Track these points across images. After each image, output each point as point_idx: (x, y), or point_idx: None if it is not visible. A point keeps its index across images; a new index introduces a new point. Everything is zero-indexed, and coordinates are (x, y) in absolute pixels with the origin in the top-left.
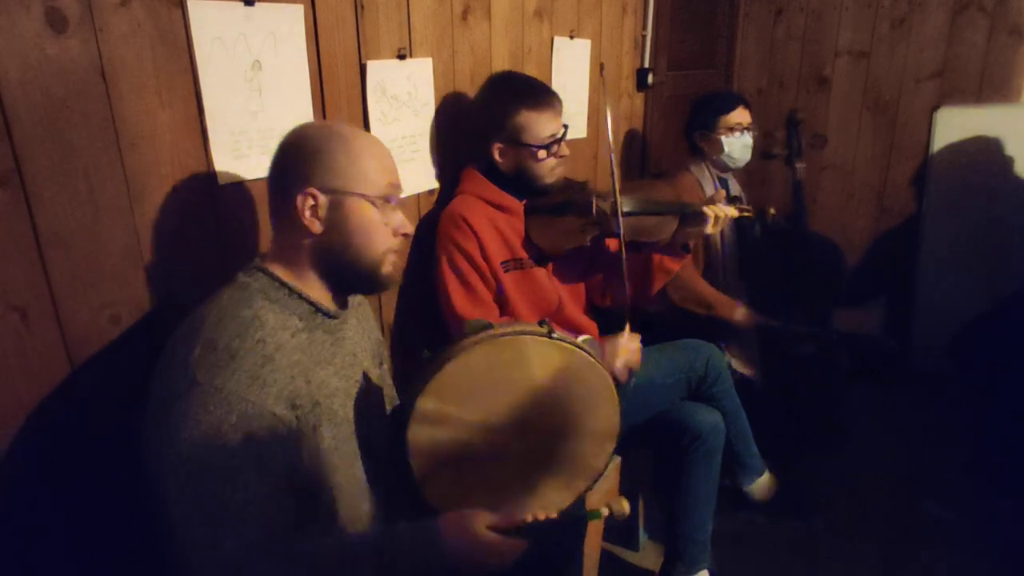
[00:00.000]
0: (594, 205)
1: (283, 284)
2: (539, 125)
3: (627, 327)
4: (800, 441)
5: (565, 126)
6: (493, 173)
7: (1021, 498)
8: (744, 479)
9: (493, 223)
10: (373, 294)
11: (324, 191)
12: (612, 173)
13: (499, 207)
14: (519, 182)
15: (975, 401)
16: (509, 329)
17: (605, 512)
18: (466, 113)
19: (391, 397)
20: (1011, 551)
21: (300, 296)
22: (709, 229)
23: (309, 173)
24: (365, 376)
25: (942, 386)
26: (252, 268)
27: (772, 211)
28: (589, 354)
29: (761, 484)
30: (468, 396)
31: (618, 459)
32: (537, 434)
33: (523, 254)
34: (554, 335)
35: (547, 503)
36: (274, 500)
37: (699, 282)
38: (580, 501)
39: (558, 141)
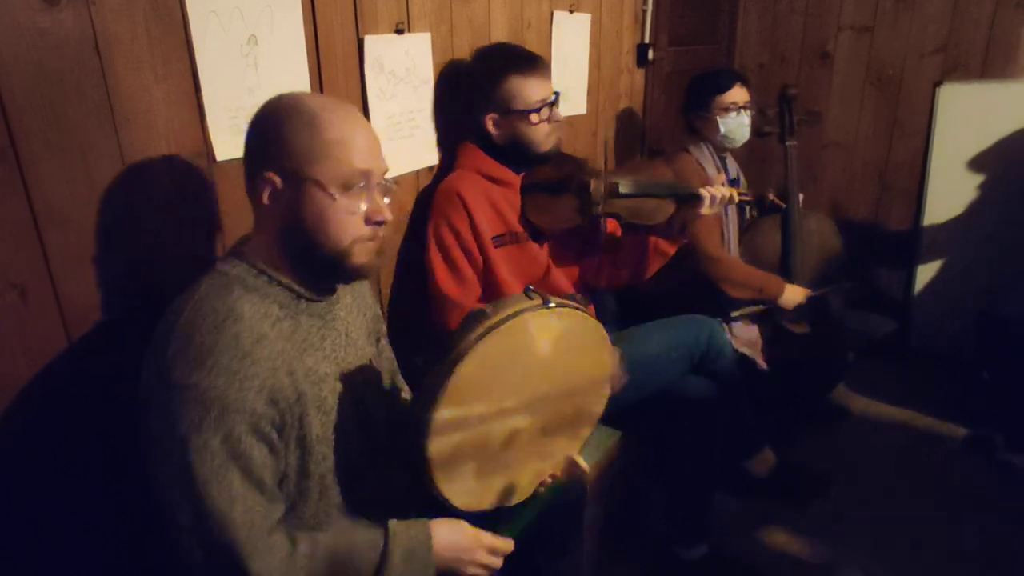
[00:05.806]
0: (591, 186)
1: (261, 271)
2: (528, 89)
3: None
4: (801, 420)
5: (556, 93)
6: (490, 147)
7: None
8: (744, 454)
9: (489, 197)
10: (349, 283)
11: (281, 174)
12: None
13: (496, 181)
14: (515, 152)
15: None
16: (507, 312)
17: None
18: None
19: (392, 371)
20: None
21: (279, 283)
22: (705, 210)
23: (269, 153)
24: (359, 356)
25: (943, 364)
26: (231, 254)
27: (771, 195)
28: (579, 307)
29: (761, 459)
30: (481, 393)
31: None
32: (545, 402)
33: (518, 228)
34: (549, 303)
35: (556, 458)
36: (259, 497)
37: (741, 268)
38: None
39: (549, 105)
